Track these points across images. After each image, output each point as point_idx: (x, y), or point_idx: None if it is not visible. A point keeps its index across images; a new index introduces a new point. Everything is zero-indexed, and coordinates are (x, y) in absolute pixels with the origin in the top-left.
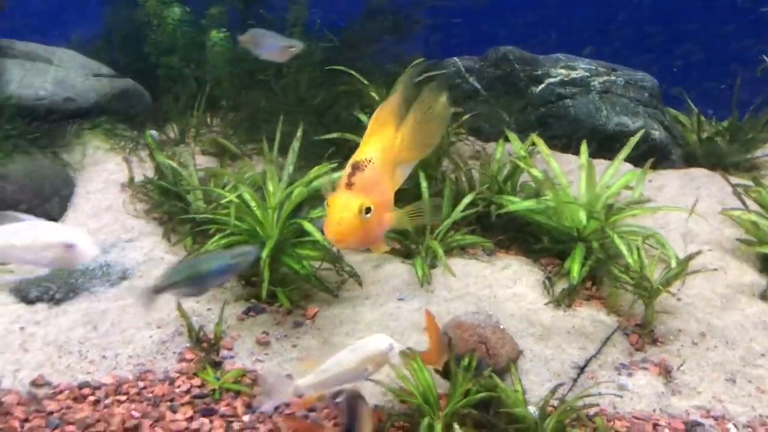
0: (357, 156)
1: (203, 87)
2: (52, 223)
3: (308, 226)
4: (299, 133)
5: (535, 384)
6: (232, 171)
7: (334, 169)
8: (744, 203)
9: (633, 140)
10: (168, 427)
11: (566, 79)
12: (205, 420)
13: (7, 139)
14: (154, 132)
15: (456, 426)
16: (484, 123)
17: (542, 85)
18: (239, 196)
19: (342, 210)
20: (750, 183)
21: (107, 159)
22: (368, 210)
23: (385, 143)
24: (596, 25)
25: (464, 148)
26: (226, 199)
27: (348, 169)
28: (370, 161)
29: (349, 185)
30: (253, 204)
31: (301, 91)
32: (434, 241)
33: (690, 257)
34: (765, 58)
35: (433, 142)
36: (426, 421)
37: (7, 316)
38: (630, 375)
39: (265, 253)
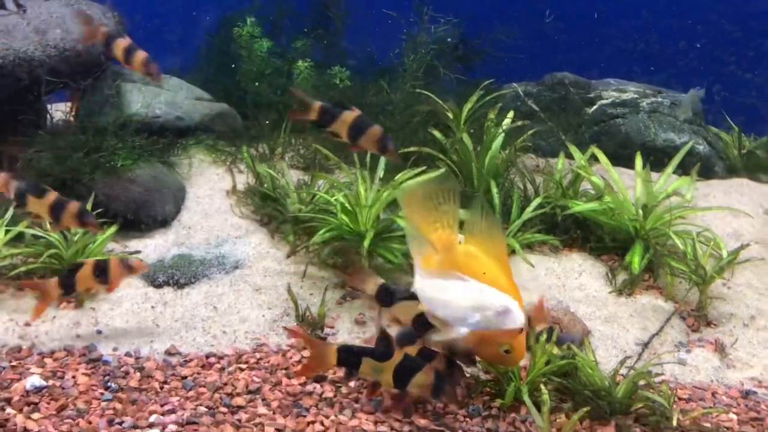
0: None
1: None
2: (488, 287)
3: (401, 221)
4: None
5: (604, 359)
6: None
7: (417, 174)
8: None
9: (683, 151)
10: (285, 390)
11: (617, 100)
12: (317, 385)
13: (133, 150)
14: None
15: (542, 387)
16: (541, 141)
17: (595, 107)
18: (336, 198)
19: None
20: None
21: (211, 170)
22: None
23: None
24: (644, 52)
25: (527, 162)
26: (333, 198)
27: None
28: None
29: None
30: (348, 204)
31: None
32: (510, 238)
33: (741, 248)
34: None
35: None
36: (512, 386)
37: (140, 297)
38: (688, 351)
39: (366, 244)
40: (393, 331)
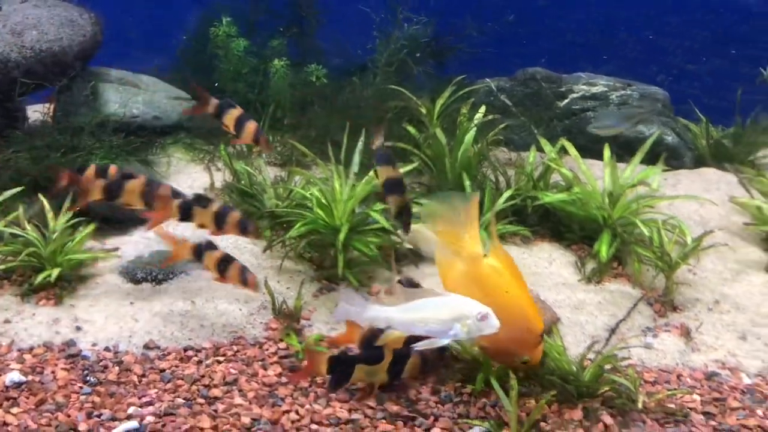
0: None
1: (266, 109)
2: (463, 297)
3: (375, 215)
4: (362, 139)
5: (572, 345)
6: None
7: None
8: (749, 191)
9: (649, 141)
10: (262, 381)
11: (587, 94)
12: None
13: (111, 149)
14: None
15: (511, 373)
16: (514, 135)
17: (566, 100)
18: (312, 193)
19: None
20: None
21: (189, 168)
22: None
23: None
24: (614, 46)
25: (500, 155)
26: (309, 193)
27: None
28: None
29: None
30: (324, 199)
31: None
32: (481, 230)
33: (704, 234)
34: (762, 70)
35: None
36: (481, 375)
37: (119, 293)
38: (655, 336)
39: (341, 237)
40: None
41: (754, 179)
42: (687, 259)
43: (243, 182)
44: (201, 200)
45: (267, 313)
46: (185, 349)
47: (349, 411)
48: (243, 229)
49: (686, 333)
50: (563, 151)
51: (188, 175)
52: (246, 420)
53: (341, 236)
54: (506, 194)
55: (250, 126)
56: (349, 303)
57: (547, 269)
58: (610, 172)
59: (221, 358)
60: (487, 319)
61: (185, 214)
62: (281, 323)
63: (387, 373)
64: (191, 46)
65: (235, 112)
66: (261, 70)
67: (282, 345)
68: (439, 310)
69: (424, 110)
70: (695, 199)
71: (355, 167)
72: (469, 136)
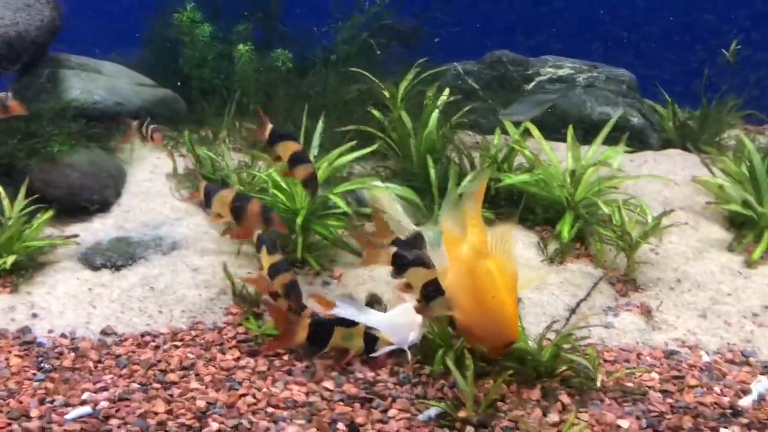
0: None
1: (232, 95)
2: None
3: (335, 197)
4: (321, 121)
5: (533, 325)
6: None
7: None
8: (711, 170)
9: (611, 122)
10: (219, 365)
11: (554, 76)
12: (251, 359)
13: (70, 135)
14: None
15: (466, 352)
16: (481, 119)
17: (533, 83)
18: (269, 175)
19: None
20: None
21: (152, 155)
22: None
23: None
24: (582, 28)
25: (466, 139)
26: (265, 173)
27: None
28: None
29: None
30: (283, 182)
31: (325, 91)
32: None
33: (664, 213)
34: (724, 51)
35: None
36: (440, 353)
37: (77, 280)
38: (616, 315)
39: (299, 221)
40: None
41: (717, 159)
42: (647, 238)
43: (206, 168)
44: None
45: (227, 298)
46: (143, 335)
47: (307, 394)
48: (266, 221)
49: (647, 312)
50: (528, 133)
51: (151, 161)
52: (201, 404)
53: (299, 219)
54: (469, 176)
55: (306, 170)
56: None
57: None
58: (572, 153)
59: (179, 343)
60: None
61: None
62: (241, 308)
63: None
64: (156, 33)
65: (291, 146)
66: (227, 56)
67: (241, 329)
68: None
69: (387, 93)
70: (658, 179)
71: (314, 149)
72: (433, 118)
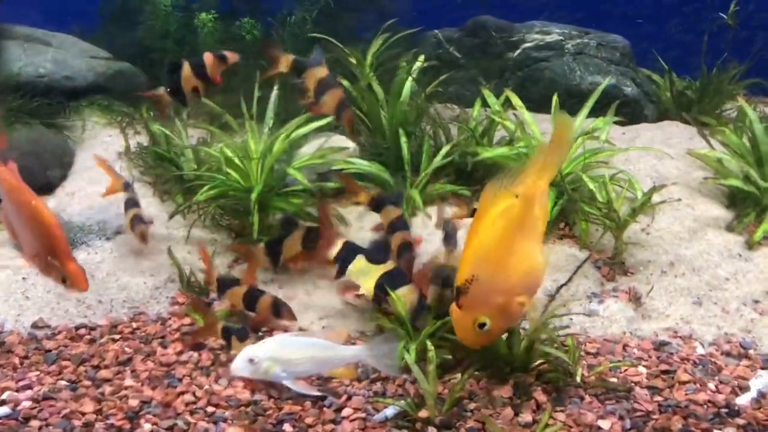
0: (459, 274)
1: None
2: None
3: (293, 171)
4: (275, 90)
5: None
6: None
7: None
8: (709, 142)
9: (597, 91)
10: (158, 360)
11: (541, 43)
12: (194, 353)
13: (10, 112)
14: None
15: (428, 344)
16: (465, 91)
17: (518, 51)
18: (223, 152)
19: (459, 330)
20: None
21: (105, 132)
22: (482, 325)
23: (498, 227)
24: None
25: (446, 112)
26: (216, 151)
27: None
28: (472, 280)
29: (460, 306)
30: (236, 158)
31: None
32: (414, 190)
33: (654, 189)
34: (723, 15)
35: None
36: (402, 345)
37: (11, 268)
38: (601, 302)
39: (253, 197)
40: None
41: (716, 130)
42: (636, 216)
43: (162, 146)
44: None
45: (175, 287)
46: (77, 328)
47: (252, 392)
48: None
49: (636, 298)
50: (511, 105)
51: (102, 139)
52: (134, 403)
53: (253, 196)
54: (443, 150)
55: (335, 93)
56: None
57: None
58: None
59: (117, 336)
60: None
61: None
62: (188, 297)
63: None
64: (113, 2)
65: (318, 72)
66: (191, 26)
67: (187, 320)
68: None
69: (354, 60)
70: (649, 150)
71: (269, 121)
72: (406, 88)
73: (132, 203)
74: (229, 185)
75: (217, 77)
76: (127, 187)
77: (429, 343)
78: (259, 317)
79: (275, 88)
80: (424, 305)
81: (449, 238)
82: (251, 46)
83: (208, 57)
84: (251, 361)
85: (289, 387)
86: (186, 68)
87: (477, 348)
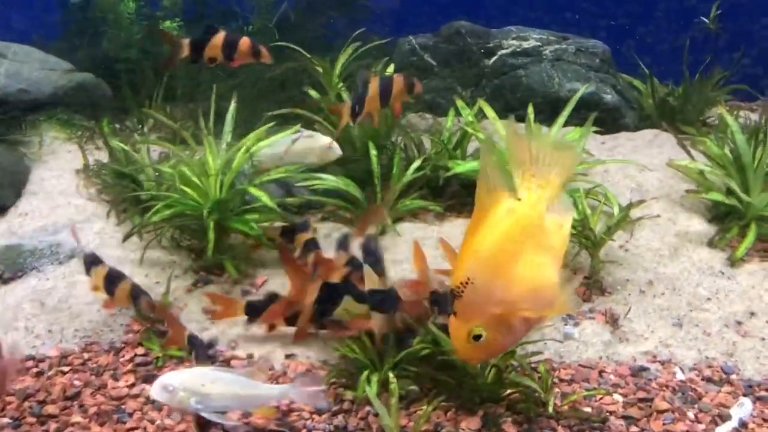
0: (454, 275)
1: (161, 77)
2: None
3: (254, 190)
4: (233, 102)
5: None
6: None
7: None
8: (689, 153)
9: (574, 99)
10: (109, 394)
11: (518, 49)
12: (147, 386)
13: None
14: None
15: (391, 375)
16: (440, 99)
17: (495, 57)
18: (177, 169)
19: (454, 340)
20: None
21: (63, 148)
22: (478, 337)
23: (501, 229)
24: None
25: (420, 122)
26: (173, 169)
27: (450, 295)
28: (467, 283)
29: (455, 314)
30: (193, 175)
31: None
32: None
33: (631, 205)
34: (704, 19)
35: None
36: (365, 375)
37: None
38: (576, 325)
39: (205, 213)
40: None
41: (697, 140)
42: (612, 234)
43: (121, 162)
44: None
45: (130, 313)
46: (25, 360)
47: (205, 426)
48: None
49: (613, 320)
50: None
51: (61, 156)
52: None
53: (205, 212)
54: (414, 165)
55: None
56: None
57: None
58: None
59: (66, 368)
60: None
61: None
62: (143, 324)
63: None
64: (74, 12)
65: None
66: (156, 35)
67: (140, 350)
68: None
69: (320, 69)
70: (627, 163)
71: (227, 136)
72: None
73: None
74: (185, 204)
75: (397, 106)
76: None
77: (391, 374)
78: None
79: (233, 101)
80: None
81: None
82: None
83: (398, 80)
84: (166, 388)
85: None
86: (373, 86)
87: (474, 364)
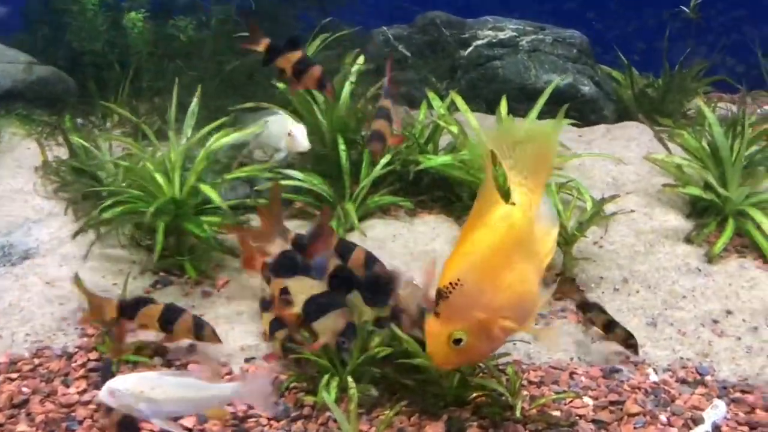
0: (444, 275)
1: (126, 70)
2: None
3: (205, 188)
4: (197, 96)
5: None
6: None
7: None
8: (666, 147)
9: (548, 90)
10: (59, 401)
11: (494, 40)
12: (98, 392)
13: None
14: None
15: (350, 380)
16: (415, 92)
17: (470, 48)
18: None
19: (431, 341)
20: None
21: (23, 145)
22: (458, 341)
23: (497, 234)
24: None
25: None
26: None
27: (436, 295)
28: (456, 284)
29: (437, 315)
30: (148, 172)
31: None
32: (351, 203)
33: (604, 200)
34: (684, 8)
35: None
36: (325, 378)
37: None
38: (547, 324)
39: (150, 211)
40: None
41: (674, 133)
42: (584, 231)
43: (81, 159)
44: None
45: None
46: None
47: None
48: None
49: (586, 320)
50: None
51: (20, 152)
52: None
53: (150, 210)
54: (383, 161)
55: (315, 71)
56: None
57: (428, 246)
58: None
59: (15, 375)
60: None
61: None
62: (98, 328)
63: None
64: (35, 3)
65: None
66: (121, 26)
67: (94, 355)
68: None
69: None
70: (606, 157)
71: (188, 131)
72: (345, 91)
73: None
74: (135, 202)
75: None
76: None
77: (350, 379)
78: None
79: (196, 96)
80: (352, 332)
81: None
82: (185, 48)
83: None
84: (112, 393)
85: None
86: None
87: (448, 369)
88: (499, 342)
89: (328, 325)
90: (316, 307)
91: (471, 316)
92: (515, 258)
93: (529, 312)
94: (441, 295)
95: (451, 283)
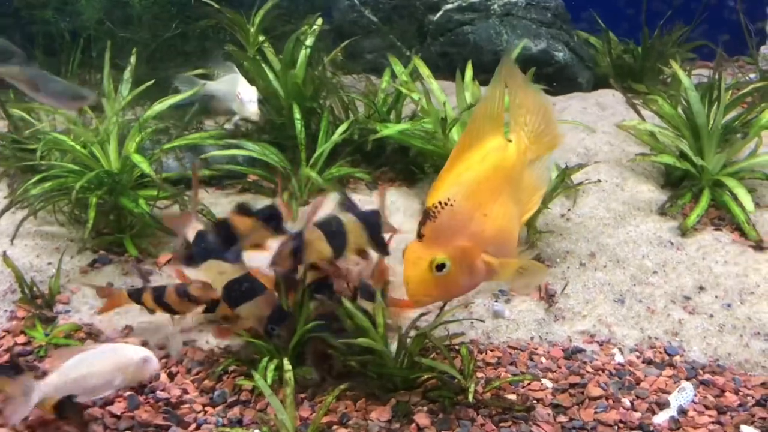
0: (432, 195)
1: (77, 41)
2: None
3: (136, 158)
4: (132, 62)
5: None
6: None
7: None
8: (639, 113)
9: (512, 57)
10: None
11: (464, 4)
12: None
13: None
14: None
15: (285, 362)
16: (383, 59)
17: (440, 13)
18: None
19: (410, 267)
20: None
21: None
22: (441, 266)
23: (489, 161)
24: None
25: (361, 85)
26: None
27: (421, 215)
28: (446, 204)
29: (420, 236)
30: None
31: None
32: (309, 169)
33: (566, 170)
34: None
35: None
36: (264, 361)
37: None
38: (507, 302)
39: (77, 186)
40: None
41: (649, 99)
42: (549, 202)
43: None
44: None
45: (15, 297)
46: None
47: (86, 423)
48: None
49: (548, 296)
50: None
51: None
52: None
53: (78, 185)
54: (340, 129)
55: None
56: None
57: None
58: (470, 95)
59: None
60: (148, 362)
61: None
62: (27, 310)
63: None
64: None
65: None
66: None
67: (22, 339)
68: (101, 360)
69: (238, 28)
70: (576, 125)
71: (121, 100)
72: (301, 57)
73: None
74: (70, 176)
75: None
76: None
77: (286, 361)
78: None
79: (131, 61)
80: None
81: None
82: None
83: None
84: None
85: None
86: None
87: (422, 302)
88: (478, 278)
89: (253, 311)
90: (238, 293)
91: (457, 240)
92: (503, 192)
93: (509, 249)
94: (428, 215)
95: (440, 202)
